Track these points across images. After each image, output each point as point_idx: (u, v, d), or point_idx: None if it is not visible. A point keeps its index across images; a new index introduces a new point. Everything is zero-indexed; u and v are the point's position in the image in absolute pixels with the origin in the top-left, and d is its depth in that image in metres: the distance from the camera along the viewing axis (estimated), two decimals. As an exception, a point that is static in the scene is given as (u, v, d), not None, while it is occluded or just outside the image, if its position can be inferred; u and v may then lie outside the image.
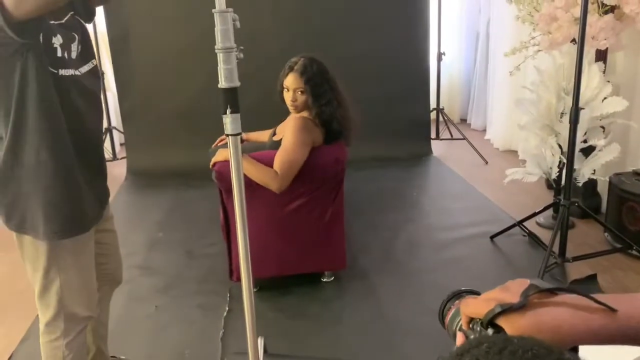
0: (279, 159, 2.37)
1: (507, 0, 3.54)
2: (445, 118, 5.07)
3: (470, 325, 0.69)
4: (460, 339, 0.71)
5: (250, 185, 2.40)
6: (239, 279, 2.63)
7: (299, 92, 2.43)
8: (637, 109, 3.06)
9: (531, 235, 3.01)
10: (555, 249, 2.68)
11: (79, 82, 1.39)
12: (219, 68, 1.38)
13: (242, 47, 1.39)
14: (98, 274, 1.67)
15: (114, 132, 5.13)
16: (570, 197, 2.56)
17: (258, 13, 4.33)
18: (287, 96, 2.47)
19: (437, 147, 4.98)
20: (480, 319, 0.65)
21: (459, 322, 0.72)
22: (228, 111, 1.41)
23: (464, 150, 4.87)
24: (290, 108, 2.49)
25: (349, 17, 4.53)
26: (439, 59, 4.83)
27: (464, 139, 4.86)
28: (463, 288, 0.80)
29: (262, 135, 2.97)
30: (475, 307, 0.67)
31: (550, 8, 3.02)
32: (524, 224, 3.10)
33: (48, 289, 1.49)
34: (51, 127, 1.33)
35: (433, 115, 5.05)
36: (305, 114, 2.51)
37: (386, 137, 4.66)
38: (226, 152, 2.48)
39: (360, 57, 4.51)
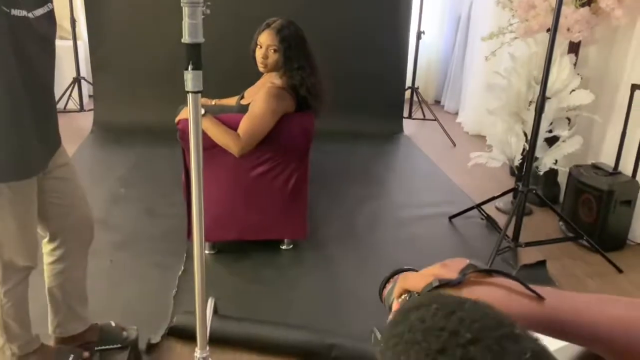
0: (245, 123, 2.35)
1: (490, -15, 3.54)
2: (420, 98, 5.08)
3: (404, 297, 0.70)
4: (395, 307, 0.71)
5: (214, 148, 2.39)
6: (196, 240, 2.64)
7: (272, 50, 2.39)
8: (603, 103, 3.12)
9: (488, 218, 3.07)
10: (510, 233, 2.75)
11: (32, 25, 1.34)
12: (183, 22, 1.35)
13: (209, 3, 1.36)
14: (58, 225, 1.63)
15: (83, 82, 5.00)
16: (529, 185, 2.62)
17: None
18: (259, 53, 2.43)
19: (409, 126, 5.00)
20: (417, 292, 0.66)
21: (392, 297, 0.74)
22: (190, 67, 1.38)
23: (435, 132, 4.91)
24: (260, 66, 2.45)
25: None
26: (418, 38, 4.82)
27: (435, 119, 4.89)
28: (405, 267, 0.80)
29: (233, 102, 2.94)
30: (414, 280, 0.69)
31: (529, -4, 3.03)
32: (483, 207, 3.16)
33: None
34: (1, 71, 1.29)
35: (407, 94, 5.06)
36: (273, 76, 2.48)
37: (359, 112, 4.64)
38: (212, 126, 2.46)
39: (339, 30, 4.47)
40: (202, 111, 2.42)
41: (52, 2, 1.40)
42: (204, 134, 2.35)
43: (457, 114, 5.64)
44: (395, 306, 0.72)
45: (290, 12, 4.21)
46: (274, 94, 2.35)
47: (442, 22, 5.89)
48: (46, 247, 1.68)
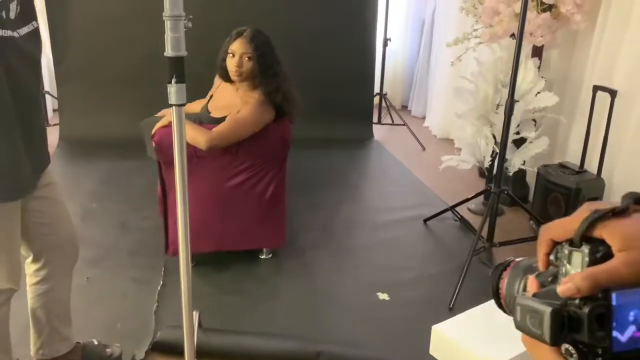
0: (225, 124, 2.36)
1: (454, -9, 3.63)
2: (387, 103, 5.15)
3: (554, 255, 0.51)
4: (533, 284, 0.51)
5: (191, 159, 2.37)
6: (175, 254, 2.61)
7: (246, 58, 2.40)
8: (566, 104, 3.23)
9: (462, 220, 3.13)
10: (484, 234, 2.81)
11: (17, 44, 1.32)
12: (165, 36, 1.35)
13: (190, 16, 1.37)
14: (42, 245, 1.60)
15: (47, 96, 4.89)
16: (500, 185, 2.69)
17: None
18: (232, 62, 2.43)
19: (378, 132, 5.06)
20: (569, 239, 0.49)
21: (521, 281, 0.55)
22: (173, 81, 1.38)
23: (404, 136, 4.98)
24: (234, 75, 2.45)
25: (298, 1, 4.50)
26: (385, 44, 4.89)
27: (404, 124, 4.97)
28: (516, 258, 0.59)
29: (192, 107, 2.93)
30: (561, 225, 0.50)
31: (493, 2, 3.12)
32: (456, 209, 3.22)
33: None
34: None
35: (376, 100, 5.13)
36: (245, 86, 2.48)
37: (329, 119, 4.68)
38: (166, 120, 2.44)
39: (306, 37, 4.50)
40: None
41: (36, 20, 1.38)
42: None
43: (424, 118, 5.74)
44: (531, 283, 0.51)
45: (256, 19, 4.24)
46: (261, 106, 2.37)
47: (406, 27, 5.99)
48: (29, 267, 1.64)
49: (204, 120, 2.59)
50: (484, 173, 4.00)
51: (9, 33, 1.29)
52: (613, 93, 2.79)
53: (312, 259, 2.79)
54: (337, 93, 4.73)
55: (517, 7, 3.03)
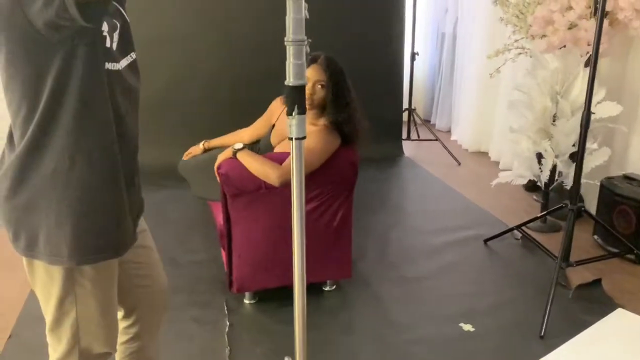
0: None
1: (492, 2, 3.53)
2: (417, 119, 5.04)
3: None
4: None
5: (258, 190, 2.23)
6: (239, 291, 2.45)
7: (319, 86, 2.27)
8: (624, 113, 3.11)
9: (528, 239, 2.98)
10: (554, 251, 2.68)
11: (122, 77, 1.18)
12: (287, 63, 1.21)
13: (309, 40, 1.23)
14: (136, 299, 1.44)
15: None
16: (577, 202, 2.56)
17: (230, 6, 4.11)
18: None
19: (407, 148, 4.94)
20: None
21: None
22: (294, 112, 1.24)
23: (435, 151, 4.86)
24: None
25: (325, 15, 4.38)
26: (412, 59, 4.79)
27: (436, 139, 4.85)
28: None
29: (228, 140, 2.79)
30: None
31: (544, 11, 3.02)
32: (510, 226, 3.08)
33: (61, 322, 1.25)
34: (94, 129, 1.11)
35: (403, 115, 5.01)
36: (314, 114, 2.35)
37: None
38: (227, 152, 2.31)
39: (333, 53, 4.37)
40: (240, 145, 2.32)
41: (134, 50, 1.24)
42: (244, 169, 2.19)
43: (449, 131, 5.64)
44: None
45: (279, 37, 4.12)
46: (328, 133, 2.24)
47: (425, 41, 5.91)
48: (120, 324, 1.48)
49: (267, 151, 2.46)
50: (532, 187, 3.88)
51: (116, 66, 1.15)
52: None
53: (377, 289, 2.64)
54: (366, 109, 4.59)
55: (572, 16, 2.94)
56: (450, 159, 4.67)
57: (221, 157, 2.28)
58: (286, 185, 2.17)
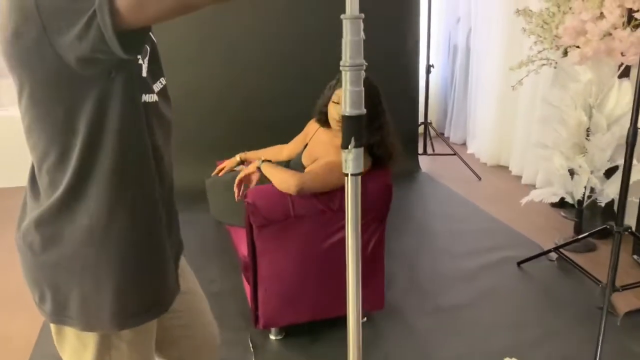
0: (320, 167, 2.11)
1: (515, 13, 3.39)
2: (430, 132, 4.90)
3: None
4: None
5: (288, 218, 2.08)
6: (266, 327, 2.28)
7: None
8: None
9: (570, 262, 2.80)
10: (598, 275, 2.52)
11: (158, 109, 1.02)
12: (343, 90, 1.07)
13: (366, 64, 1.08)
14: (179, 352, 1.28)
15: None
16: (623, 223, 2.39)
17: (243, 22, 3.98)
18: (336, 109, 2.17)
19: (423, 163, 4.78)
20: None
21: None
22: (351, 145, 1.08)
23: (451, 166, 4.71)
24: (336, 124, 2.19)
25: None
26: (428, 72, 4.65)
27: (454, 154, 4.69)
28: None
29: (266, 153, 2.67)
30: None
31: (576, 21, 2.88)
32: (543, 247, 2.92)
33: None
34: (135, 173, 0.96)
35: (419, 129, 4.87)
36: (330, 128, 2.22)
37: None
38: (276, 171, 2.18)
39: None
40: (262, 159, 2.25)
41: (164, 76, 1.08)
42: (272, 196, 2.04)
43: (464, 144, 5.48)
44: None
45: (297, 52, 4.01)
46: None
47: (437, 53, 5.77)
48: None
49: (298, 170, 2.32)
50: (560, 203, 3.72)
51: (153, 98, 1.00)
52: None
53: (412, 320, 2.47)
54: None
55: (605, 25, 2.80)
56: (469, 174, 4.51)
57: (245, 172, 2.18)
58: (303, 193, 2.02)
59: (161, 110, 1.04)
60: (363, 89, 1.07)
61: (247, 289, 2.37)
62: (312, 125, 2.48)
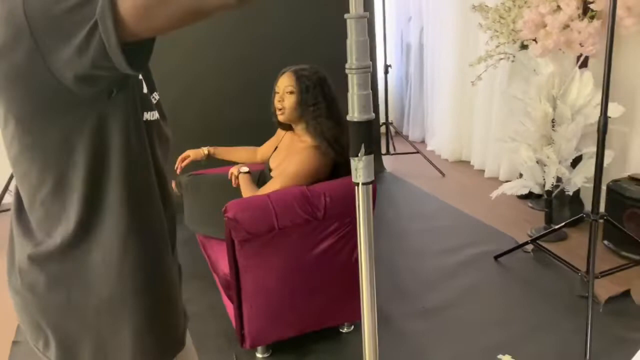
0: (278, 184, 2.07)
1: (472, 9, 3.42)
2: (391, 132, 4.90)
3: None
4: None
5: (272, 230, 1.99)
6: (253, 346, 2.18)
7: (288, 92, 2.09)
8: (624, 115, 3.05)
9: (547, 252, 2.82)
10: (577, 264, 2.55)
11: (160, 127, 0.92)
12: (350, 94, 1.00)
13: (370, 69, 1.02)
14: None
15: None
16: (598, 211, 2.43)
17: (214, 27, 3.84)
18: (275, 100, 2.16)
19: (386, 163, 4.78)
20: None
21: None
22: (360, 153, 1.02)
23: (414, 164, 4.72)
24: (277, 113, 2.17)
25: (289, 32, 4.18)
26: (386, 72, 4.65)
27: (416, 152, 4.71)
28: None
29: (231, 153, 2.59)
30: None
31: (534, 14, 2.92)
32: (514, 238, 2.95)
33: None
34: (142, 199, 0.87)
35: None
36: (300, 129, 2.17)
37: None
38: (248, 189, 2.10)
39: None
40: (246, 169, 2.21)
41: (156, 90, 0.98)
42: (255, 210, 1.95)
43: (423, 142, 5.52)
44: None
45: (257, 55, 3.89)
46: (311, 150, 2.09)
47: (390, 53, 5.78)
48: None
49: (268, 178, 2.23)
50: (525, 194, 3.77)
51: (155, 115, 0.90)
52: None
53: (400, 324, 2.43)
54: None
55: (563, 18, 2.85)
56: (433, 171, 4.53)
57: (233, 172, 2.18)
58: None
59: (162, 129, 0.94)
60: (370, 92, 1.01)
61: (229, 307, 2.27)
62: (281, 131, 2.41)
